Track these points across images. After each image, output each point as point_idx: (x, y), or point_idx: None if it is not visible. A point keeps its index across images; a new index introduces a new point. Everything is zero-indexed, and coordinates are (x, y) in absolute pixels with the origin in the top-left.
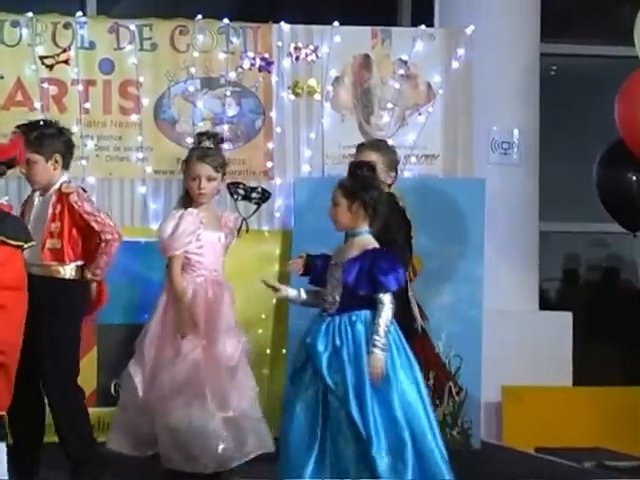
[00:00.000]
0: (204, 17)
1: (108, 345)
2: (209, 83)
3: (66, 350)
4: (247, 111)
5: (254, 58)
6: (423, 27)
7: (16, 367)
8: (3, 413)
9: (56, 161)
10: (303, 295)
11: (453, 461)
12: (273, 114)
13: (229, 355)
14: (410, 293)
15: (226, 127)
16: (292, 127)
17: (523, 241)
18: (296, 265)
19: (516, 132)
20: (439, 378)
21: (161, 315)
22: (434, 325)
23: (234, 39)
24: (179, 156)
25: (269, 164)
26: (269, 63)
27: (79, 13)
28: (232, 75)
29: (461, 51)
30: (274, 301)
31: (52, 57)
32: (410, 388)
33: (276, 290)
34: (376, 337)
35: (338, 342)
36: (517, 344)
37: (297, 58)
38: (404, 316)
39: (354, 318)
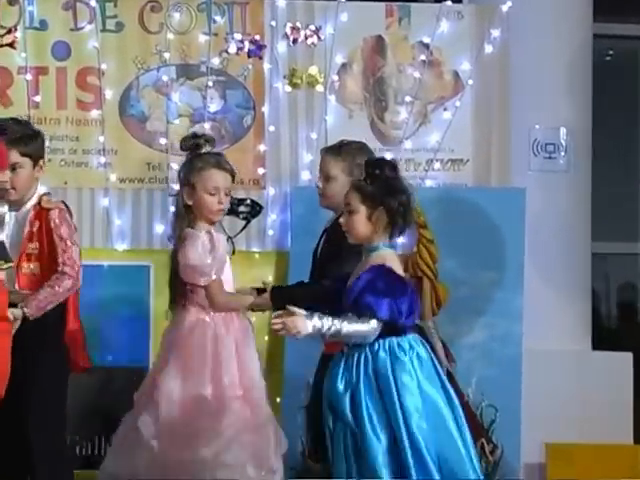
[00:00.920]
0: None
1: None
2: (187, 71)
3: (47, 399)
4: (233, 105)
5: (242, 41)
6: (449, 3)
7: None
8: None
9: (40, 167)
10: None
11: None
12: (265, 109)
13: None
14: (432, 329)
15: (207, 125)
16: (288, 125)
17: (572, 265)
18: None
19: (563, 131)
20: (469, 433)
21: (176, 358)
22: (463, 368)
23: (217, 18)
24: (149, 161)
25: (260, 171)
26: (260, 47)
27: None
28: (215, 61)
29: (495, 32)
30: (266, 337)
31: None
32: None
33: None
34: (328, 320)
35: (360, 377)
36: (565, 391)
37: (295, 41)
38: None
39: (376, 347)
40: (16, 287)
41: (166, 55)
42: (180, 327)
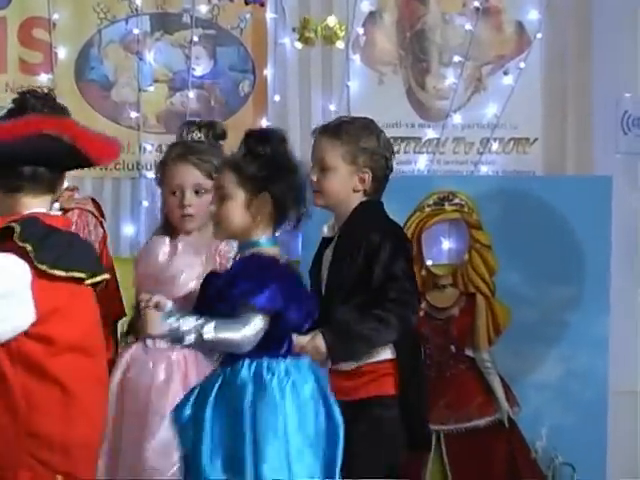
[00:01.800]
0: None
1: None
2: (165, 23)
3: None
4: (226, 68)
5: None
6: None
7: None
8: None
9: None
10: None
11: None
12: (268, 73)
13: None
14: (487, 363)
15: (192, 94)
16: (299, 94)
17: None
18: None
19: None
20: None
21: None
22: (529, 414)
23: None
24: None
25: None
26: None
27: None
28: (202, 9)
29: None
30: None
31: None
32: None
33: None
34: (191, 321)
35: (207, 407)
36: None
37: None
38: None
39: (239, 366)
40: None
41: (137, 1)
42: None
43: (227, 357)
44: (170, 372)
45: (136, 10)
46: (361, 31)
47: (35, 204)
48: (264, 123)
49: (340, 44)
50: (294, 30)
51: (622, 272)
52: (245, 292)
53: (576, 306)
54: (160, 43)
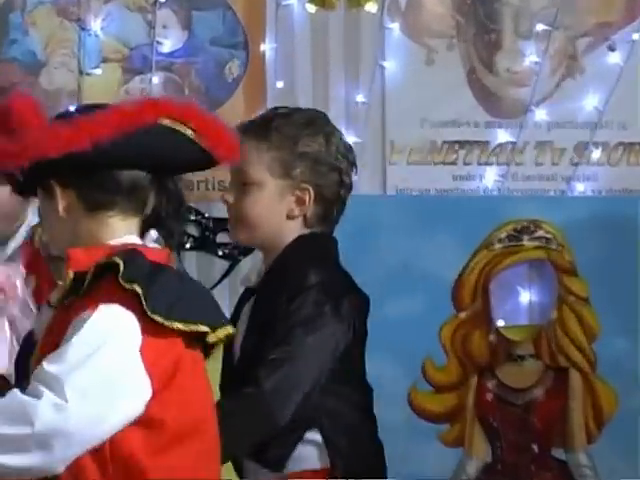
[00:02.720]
0: None
1: None
2: None
3: None
4: (206, 42)
5: None
6: None
7: None
8: None
9: None
10: None
11: None
12: (266, 48)
13: None
14: (585, 468)
15: (157, 79)
16: (312, 78)
17: None
18: None
19: None
20: None
21: None
22: None
23: None
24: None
25: None
26: None
27: None
28: None
29: None
30: None
31: None
32: None
33: None
34: None
35: None
36: None
37: None
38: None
39: None
40: None
41: None
42: None
43: None
44: None
45: None
46: None
47: (124, 229)
48: None
49: (371, 7)
50: None
51: None
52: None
53: None
54: (111, 6)
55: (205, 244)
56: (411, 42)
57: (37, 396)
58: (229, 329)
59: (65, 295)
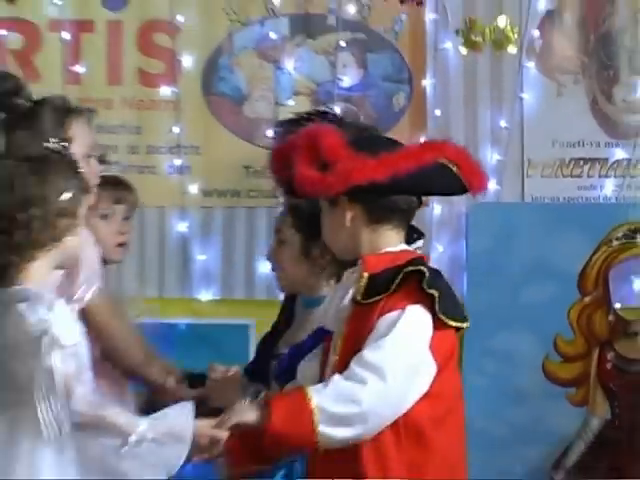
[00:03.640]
0: None
1: None
2: (307, 26)
3: None
4: (378, 78)
5: None
6: None
7: None
8: None
9: None
10: None
11: None
12: (427, 83)
13: None
14: None
15: (339, 108)
16: (464, 107)
17: None
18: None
19: None
20: None
21: None
22: None
23: None
24: (248, 163)
25: None
26: None
27: None
28: (350, 10)
29: None
30: None
31: None
32: None
33: None
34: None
35: None
36: None
37: None
38: None
39: None
40: None
41: (275, 1)
42: None
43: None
44: None
45: (273, 11)
46: (537, 34)
47: (396, 239)
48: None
49: (512, 49)
50: (458, 33)
51: None
52: None
53: None
54: (301, 49)
55: None
56: (544, 78)
57: (363, 381)
58: (468, 323)
59: (364, 294)
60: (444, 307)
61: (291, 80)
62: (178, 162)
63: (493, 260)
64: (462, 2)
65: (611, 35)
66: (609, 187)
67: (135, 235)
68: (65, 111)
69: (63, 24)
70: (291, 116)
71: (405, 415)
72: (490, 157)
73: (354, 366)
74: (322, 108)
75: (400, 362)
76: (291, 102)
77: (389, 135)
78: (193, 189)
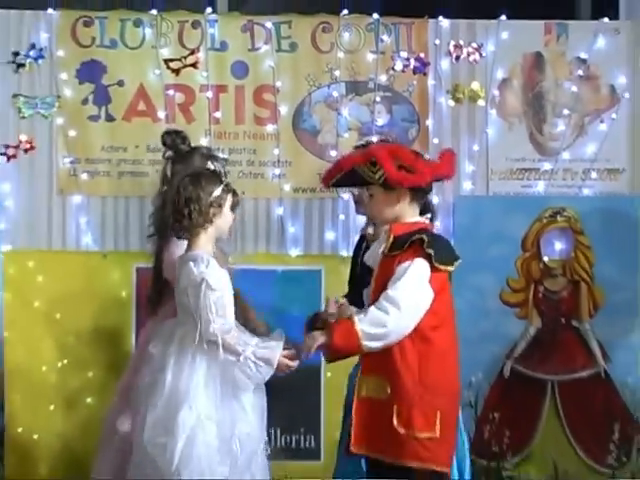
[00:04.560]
0: (350, 12)
1: None
2: (356, 88)
3: None
4: (399, 119)
5: (407, 59)
6: (606, 20)
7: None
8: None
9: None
10: None
11: None
12: (429, 123)
13: None
14: (589, 331)
15: (375, 138)
16: (451, 138)
17: None
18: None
19: None
20: (625, 432)
21: None
22: (619, 369)
23: (385, 37)
24: (321, 171)
25: None
26: (425, 64)
27: (209, 10)
28: (382, 78)
29: None
30: None
31: (179, 60)
32: None
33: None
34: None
35: None
36: None
37: (457, 58)
38: None
39: None
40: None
41: (336, 73)
42: None
43: None
44: None
45: (335, 79)
46: (496, 92)
47: (413, 213)
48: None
49: (481, 102)
50: (448, 92)
51: None
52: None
53: None
54: (352, 102)
55: None
56: (501, 119)
57: (387, 311)
58: (459, 261)
59: (389, 249)
60: (438, 258)
61: (346, 121)
62: (277, 171)
63: (470, 231)
64: (450, 73)
65: (542, 94)
66: (540, 186)
67: (251, 216)
68: (208, 157)
69: (208, 87)
70: (360, 143)
71: (415, 326)
72: (467, 168)
73: (382, 300)
74: (381, 137)
75: (411, 295)
76: (346, 135)
77: None
78: (287, 188)
